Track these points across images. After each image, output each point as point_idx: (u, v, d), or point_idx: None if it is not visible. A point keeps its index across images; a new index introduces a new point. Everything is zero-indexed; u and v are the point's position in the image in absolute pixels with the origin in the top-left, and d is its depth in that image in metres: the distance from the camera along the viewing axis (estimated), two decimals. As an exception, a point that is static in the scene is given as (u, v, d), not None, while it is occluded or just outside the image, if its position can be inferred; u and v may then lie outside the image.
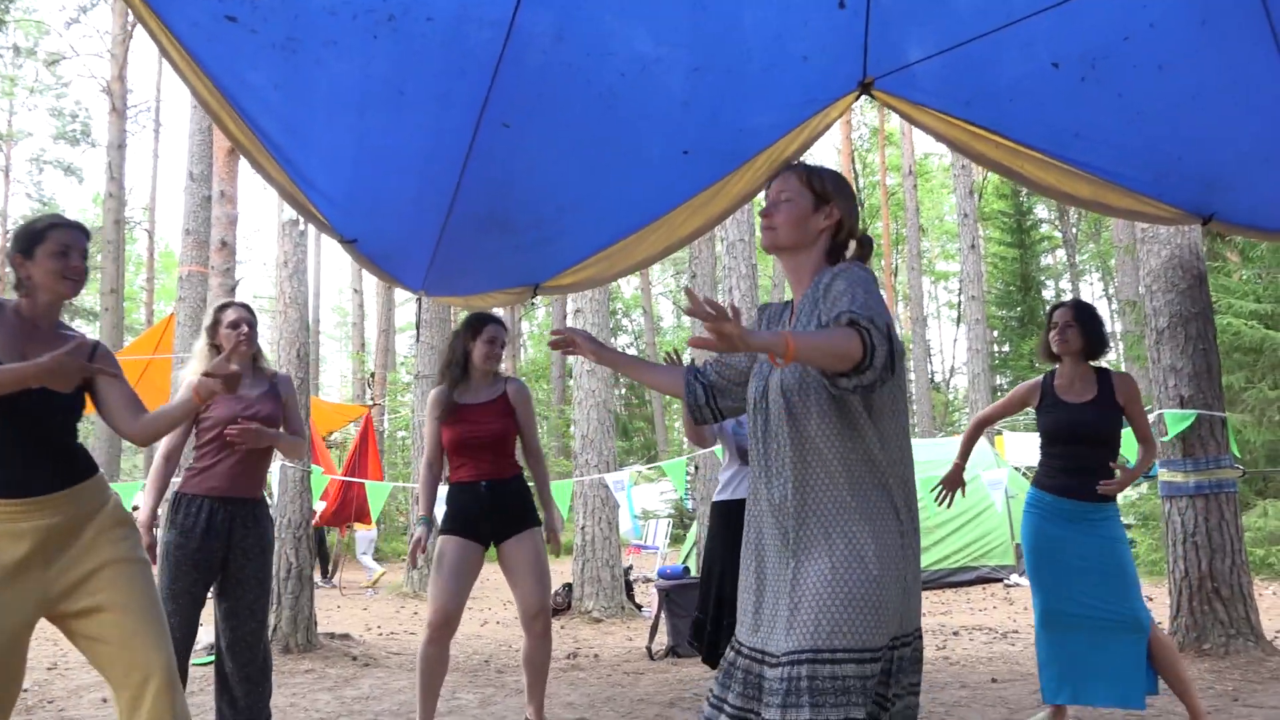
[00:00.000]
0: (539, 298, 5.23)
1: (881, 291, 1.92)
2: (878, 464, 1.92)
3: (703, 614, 4.15)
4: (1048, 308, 3.95)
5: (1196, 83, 3.85)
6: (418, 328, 8.28)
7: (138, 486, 6.78)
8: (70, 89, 30.26)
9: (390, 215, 4.50)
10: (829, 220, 2.06)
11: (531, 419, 3.97)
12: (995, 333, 26.64)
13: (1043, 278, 29.09)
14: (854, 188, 2.09)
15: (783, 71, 3.73)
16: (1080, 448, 3.60)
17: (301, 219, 5.72)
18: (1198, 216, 4.54)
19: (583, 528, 8.07)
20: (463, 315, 4.46)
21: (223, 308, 3.76)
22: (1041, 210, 29.48)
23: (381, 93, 3.73)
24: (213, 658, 3.80)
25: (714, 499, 4.15)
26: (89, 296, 31.32)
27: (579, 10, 3.41)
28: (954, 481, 3.78)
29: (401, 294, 28.40)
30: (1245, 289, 10.33)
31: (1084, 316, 3.70)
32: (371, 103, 3.78)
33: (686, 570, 6.62)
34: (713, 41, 3.60)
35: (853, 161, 26.97)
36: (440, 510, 3.96)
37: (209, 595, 3.51)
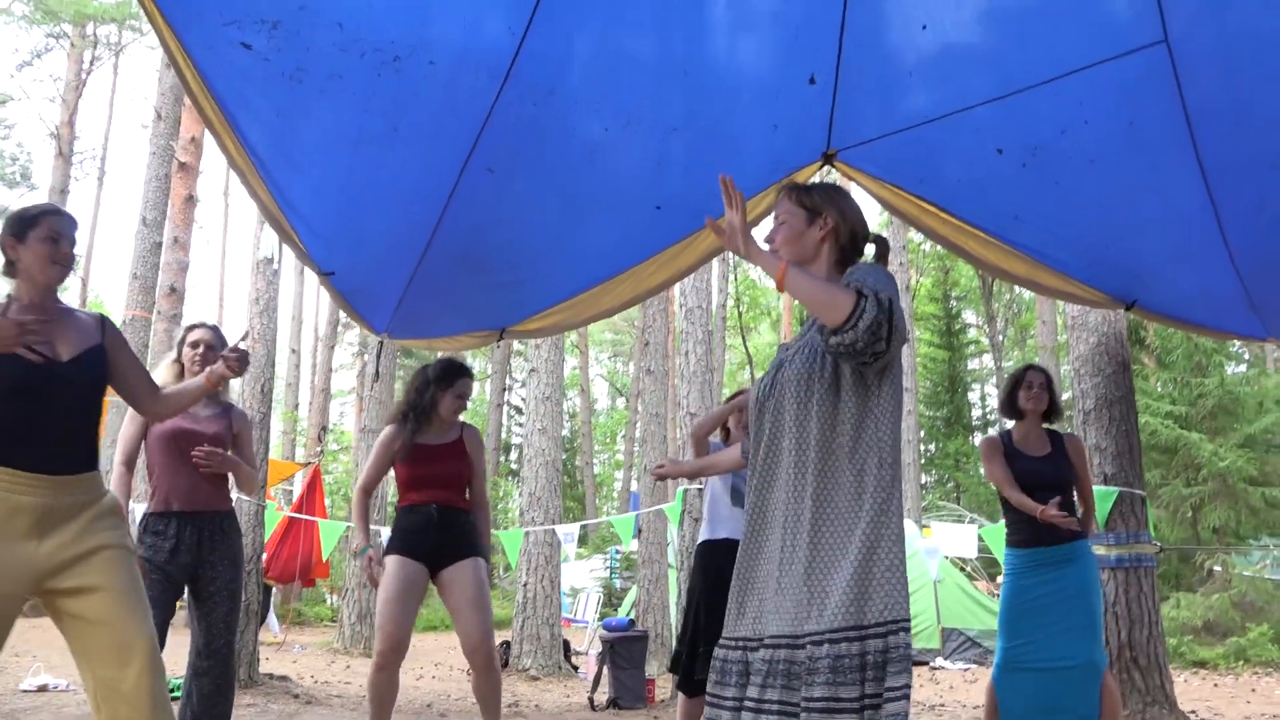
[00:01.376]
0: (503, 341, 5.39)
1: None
2: (877, 449, 2.00)
3: (681, 644, 4.18)
4: (1017, 370, 4.24)
5: (1123, 179, 4.24)
6: (376, 375, 8.34)
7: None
8: (13, 131, 29.88)
9: (368, 250, 4.64)
10: (825, 229, 2.20)
11: (482, 466, 4.16)
12: (922, 431, 27.38)
13: (970, 380, 30.07)
14: (850, 196, 2.28)
15: (754, 137, 4.03)
16: (1041, 495, 3.81)
17: (276, 259, 5.86)
18: (1121, 302, 4.92)
19: (525, 584, 8.11)
20: (412, 367, 4.62)
21: (191, 328, 3.88)
22: (970, 315, 30.62)
23: (376, 129, 3.92)
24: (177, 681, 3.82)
25: (700, 540, 4.24)
26: (12, 342, 30.50)
27: (574, 67, 3.69)
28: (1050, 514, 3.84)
29: (340, 358, 28.19)
30: (1161, 392, 10.91)
31: (1049, 380, 4.06)
32: (365, 137, 3.96)
33: (632, 623, 6.71)
34: (692, 105, 3.89)
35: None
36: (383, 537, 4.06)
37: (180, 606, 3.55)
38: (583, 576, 19.64)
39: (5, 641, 2.41)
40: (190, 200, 11.66)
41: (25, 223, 2.53)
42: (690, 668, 3.93)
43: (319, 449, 18.95)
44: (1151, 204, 4.36)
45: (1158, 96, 3.81)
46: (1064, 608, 3.77)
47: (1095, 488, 5.64)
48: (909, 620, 1.91)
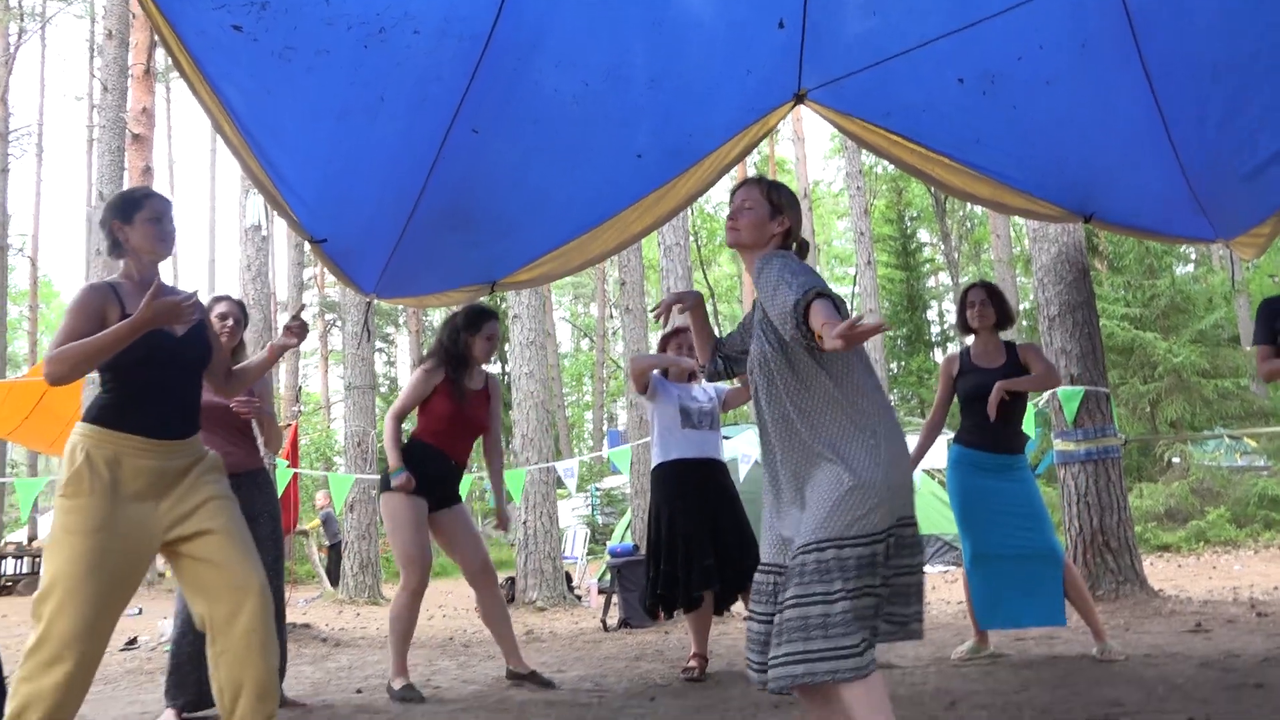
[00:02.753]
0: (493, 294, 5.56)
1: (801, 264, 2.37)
2: (839, 403, 2.28)
3: (663, 567, 4.26)
4: (961, 289, 4.50)
5: (1077, 98, 4.48)
6: (368, 333, 8.49)
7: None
8: (-58, 113, 28.92)
9: (356, 216, 4.76)
10: (781, 227, 2.49)
11: (499, 414, 4.40)
12: (885, 351, 27.91)
13: (928, 298, 30.58)
14: (799, 202, 2.60)
15: (728, 83, 4.21)
16: (1000, 409, 4.09)
17: (264, 225, 5.94)
18: (1080, 215, 5.18)
19: (525, 522, 8.41)
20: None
21: (215, 300, 4.03)
22: (925, 234, 31.02)
23: (363, 99, 4.04)
24: None
25: (655, 464, 4.39)
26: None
27: (553, 26, 3.82)
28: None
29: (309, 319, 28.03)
30: (1116, 296, 11.30)
31: (993, 293, 4.29)
32: (352, 108, 4.08)
33: (636, 548, 7.02)
34: (668, 56, 4.05)
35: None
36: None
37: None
38: (566, 515, 20.01)
39: (134, 593, 2.62)
40: (147, 171, 11.57)
41: (131, 205, 2.73)
42: (688, 582, 4.12)
43: (296, 409, 19.02)
44: (1105, 119, 4.60)
45: (1106, 13, 4.03)
46: (1012, 502, 4.08)
47: (1062, 389, 5.99)
48: (878, 533, 2.17)
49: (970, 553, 4.15)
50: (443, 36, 3.79)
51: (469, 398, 4.19)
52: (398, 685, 4.01)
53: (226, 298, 4.05)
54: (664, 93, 4.19)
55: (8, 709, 2.46)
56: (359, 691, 4.30)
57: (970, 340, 4.35)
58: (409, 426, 4.47)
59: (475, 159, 4.43)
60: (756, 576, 2.38)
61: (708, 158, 4.54)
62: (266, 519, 3.78)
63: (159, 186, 15.88)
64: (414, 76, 3.95)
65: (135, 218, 2.71)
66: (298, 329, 3.01)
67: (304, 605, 11.33)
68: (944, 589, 8.13)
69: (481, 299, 5.55)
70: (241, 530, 2.69)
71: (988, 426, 4.10)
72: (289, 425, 12.17)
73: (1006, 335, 4.43)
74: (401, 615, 4.04)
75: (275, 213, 4.81)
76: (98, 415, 2.59)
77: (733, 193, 2.60)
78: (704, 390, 4.48)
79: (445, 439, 4.18)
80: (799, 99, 4.32)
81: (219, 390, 2.99)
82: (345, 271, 5.22)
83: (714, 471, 4.33)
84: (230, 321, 3.96)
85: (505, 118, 4.23)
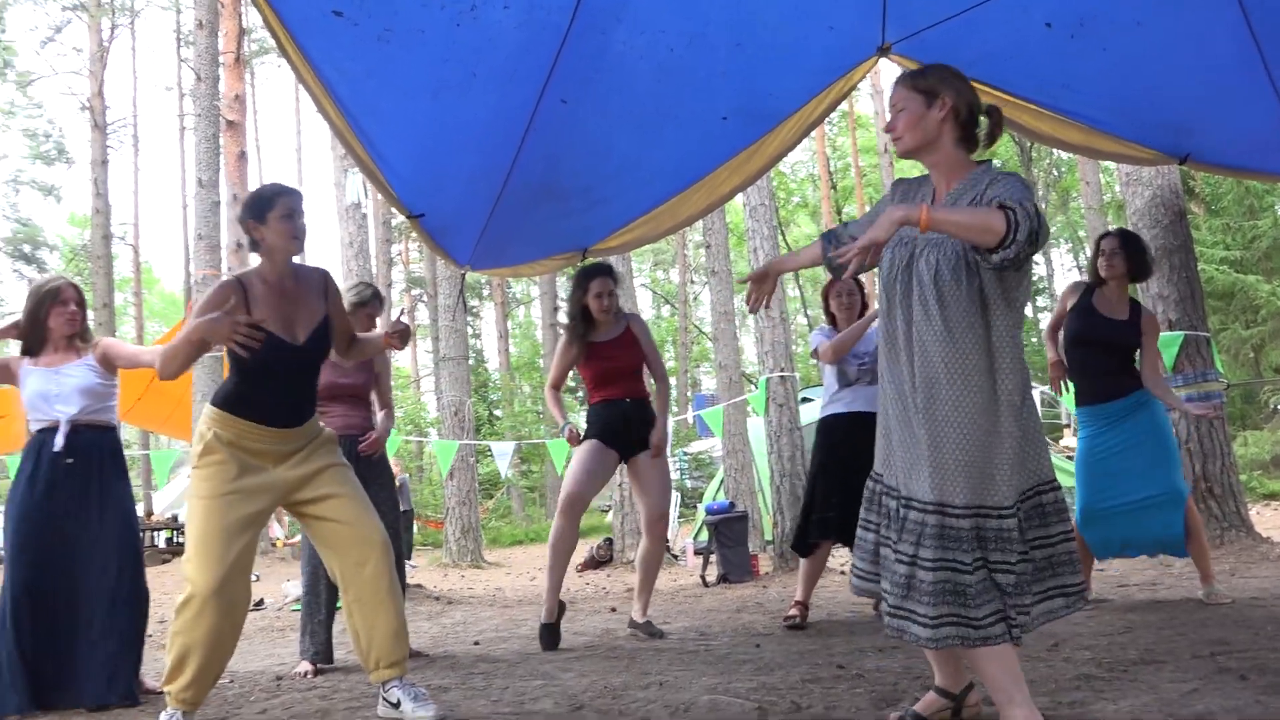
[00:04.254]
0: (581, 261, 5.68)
1: None
2: (992, 349, 2.14)
3: (806, 510, 4.43)
4: (1096, 236, 4.45)
5: (1168, 37, 4.38)
6: (464, 308, 8.72)
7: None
8: (44, 109, 30.27)
9: (450, 190, 4.94)
10: (943, 110, 2.24)
11: (653, 347, 4.56)
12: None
13: (1015, 249, 29.82)
14: (962, 74, 2.32)
15: (811, 41, 4.23)
16: (1110, 354, 4.16)
17: (364, 202, 6.17)
18: (1174, 157, 5.08)
19: (621, 484, 8.59)
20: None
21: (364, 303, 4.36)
22: (1011, 184, 30.19)
23: (455, 75, 4.18)
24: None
25: (820, 415, 4.52)
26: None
27: (638, -7, 3.90)
28: (1059, 366, 4.32)
29: (391, 295, 28.68)
30: (1214, 239, 10.96)
31: (1129, 243, 4.23)
32: (446, 86, 4.22)
33: (732, 505, 7.17)
34: (750, 17, 4.09)
35: (824, 145, 27.57)
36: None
37: None
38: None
39: (255, 552, 2.87)
40: (242, 157, 11.98)
41: (264, 204, 2.90)
42: (805, 529, 4.31)
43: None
44: (1198, 58, 4.48)
45: (1199, -51, 3.94)
46: (1138, 450, 4.04)
47: (1162, 334, 5.89)
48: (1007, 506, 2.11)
49: (1080, 512, 4.14)
50: (531, 10, 3.90)
51: (606, 350, 4.40)
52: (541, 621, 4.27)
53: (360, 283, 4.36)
54: (747, 55, 4.23)
55: (168, 659, 2.71)
56: (476, 643, 4.52)
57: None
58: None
59: (564, 129, 4.54)
60: (871, 485, 2.34)
61: (793, 116, 4.58)
62: (385, 482, 4.03)
63: (251, 170, 16.36)
64: (504, 51, 4.07)
65: (268, 216, 2.88)
66: (398, 337, 3.18)
67: (411, 570, 11.78)
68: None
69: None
70: (359, 492, 2.94)
71: (1100, 375, 4.11)
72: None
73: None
74: (555, 530, 4.28)
75: (375, 190, 5.00)
76: (222, 402, 2.85)
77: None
78: (863, 343, 4.43)
79: (607, 390, 4.41)
80: (883, 52, 4.32)
81: (342, 355, 3.21)
82: (441, 245, 5.41)
83: (859, 426, 4.22)
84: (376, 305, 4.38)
85: (592, 87, 4.33)
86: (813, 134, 27.83)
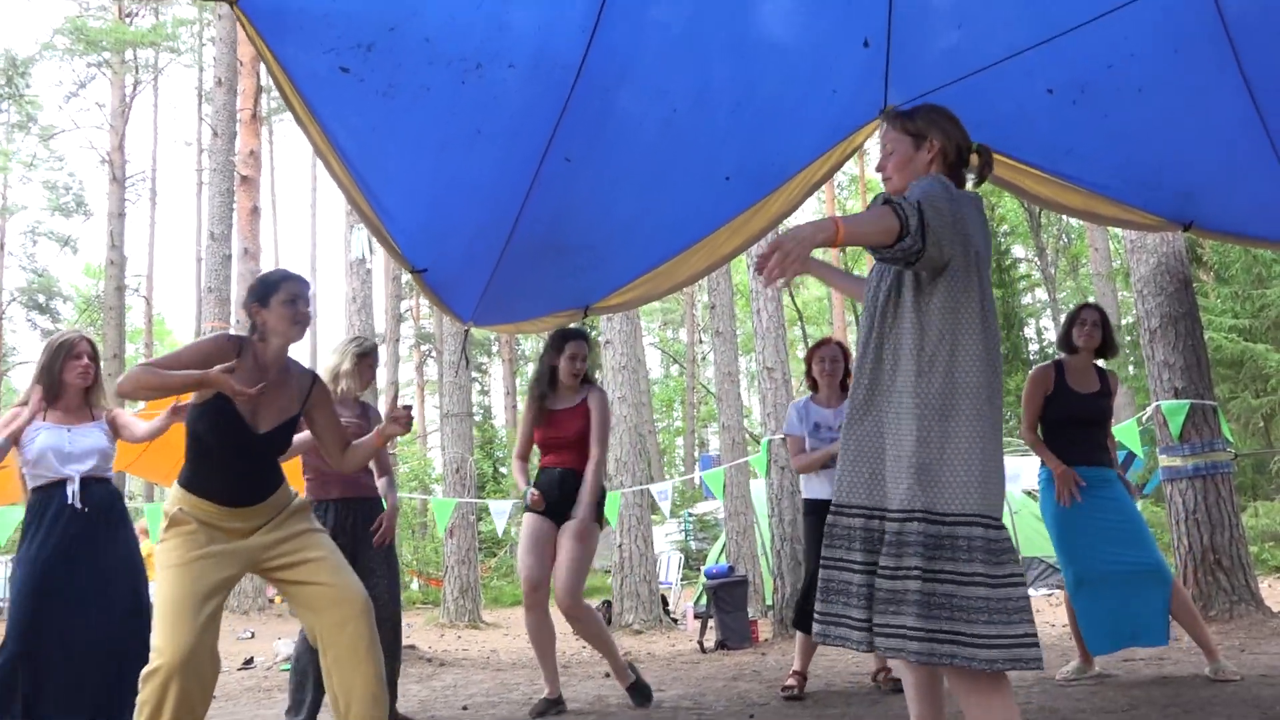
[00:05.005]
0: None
1: (956, 196, 2.15)
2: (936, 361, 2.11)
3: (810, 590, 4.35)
4: (1075, 307, 4.45)
5: (1171, 105, 4.40)
6: (467, 364, 8.72)
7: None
8: (65, 161, 30.74)
9: (454, 245, 4.94)
10: (931, 152, 2.26)
11: (600, 424, 4.35)
12: (981, 370, 27.20)
13: (1024, 316, 29.85)
14: (951, 113, 2.39)
15: (814, 103, 4.26)
16: (1089, 429, 4.18)
17: (369, 258, 6.20)
18: (1178, 224, 5.07)
19: (620, 545, 8.50)
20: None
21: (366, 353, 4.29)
22: (1019, 250, 30.33)
23: (461, 132, 4.21)
24: None
25: (805, 495, 4.50)
26: (86, 365, 31.57)
27: (640, 54, 3.94)
28: (1069, 478, 4.10)
29: (401, 350, 28.79)
30: (1223, 306, 10.92)
31: (1105, 319, 4.29)
32: (451, 141, 4.25)
33: (731, 569, 7.05)
34: (753, 80, 4.13)
35: (834, 208, 27.79)
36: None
37: None
38: (660, 541, 20.05)
39: (222, 610, 2.81)
40: (255, 211, 12.11)
41: (268, 288, 2.88)
42: (806, 608, 4.13)
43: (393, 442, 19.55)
44: (1201, 125, 4.50)
45: (1199, 19, 3.97)
46: (1112, 519, 3.98)
47: (1166, 402, 5.84)
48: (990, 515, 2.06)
49: (1072, 578, 4.07)
50: (536, 69, 3.94)
51: (559, 418, 4.33)
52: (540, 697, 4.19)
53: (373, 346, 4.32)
54: (750, 115, 4.26)
55: None
56: (464, 708, 4.42)
57: (1065, 358, 4.30)
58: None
59: (568, 187, 4.56)
60: (849, 521, 2.23)
61: (796, 177, 4.59)
62: (391, 568, 3.98)
63: (265, 225, 16.54)
64: (509, 109, 4.10)
65: (272, 300, 2.86)
66: (403, 419, 3.01)
67: (408, 629, 11.61)
68: (1048, 612, 7.93)
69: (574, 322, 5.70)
70: (336, 554, 2.89)
71: (1075, 443, 4.08)
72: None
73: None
74: (529, 626, 4.18)
75: (379, 245, 5.02)
76: (185, 482, 2.83)
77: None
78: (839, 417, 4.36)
79: (553, 459, 4.34)
80: (886, 115, 4.33)
81: (335, 466, 3.13)
82: (444, 300, 5.40)
83: None
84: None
85: (596, 146, 4.35)
86: (822, 196, 28.09)
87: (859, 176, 30.24)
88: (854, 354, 2.40)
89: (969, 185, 2.36)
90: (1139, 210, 4.95)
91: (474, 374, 34.07)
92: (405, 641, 7.40)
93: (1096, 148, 4.56)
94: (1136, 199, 4.88)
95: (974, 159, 2.33)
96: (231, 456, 2.81)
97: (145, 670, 2.62)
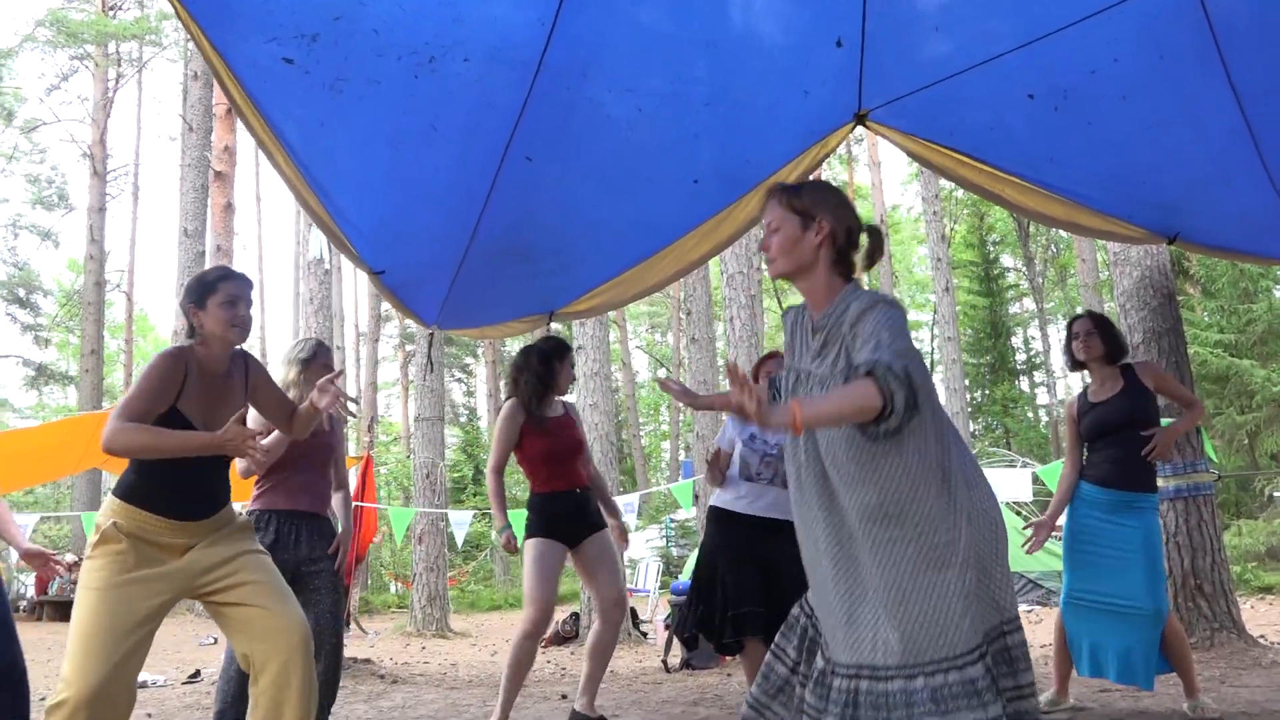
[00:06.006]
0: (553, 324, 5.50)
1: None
2: (915, 476, 1.93)
3: (707, 607, 4.01)
4: (1067, 320, 4.27)
5: (1156, 112, 4.23)
6: (430, 365, 8.53)
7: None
8: (47, 154, 30.41)
9: (415, 247, 4.76)
10: (820, 235, 2.09)
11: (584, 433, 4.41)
12: (968, 380, 27.22)
13: (1012, 325, 29.79)
14: (841, 192, 2.23)
15: (786, 105, 4.08)
16: (1115, 438, 3.90)
17: (327, 259, 6.00)
18: (1163, 236, 4.91)
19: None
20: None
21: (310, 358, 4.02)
22: (1008, 259, 30.28)
23: (415, 129, 4.02)
24: None
25: (714, 503, 4.15)
26: (64, 361, 31.25)
27: (603, 51, 3.75)
28: (1047, 528, 4.04)
29: (382, 351, 28.56)
30: (1209, 321, 10.80)
31: (1100, 324, 4.08)
32: (405, 138, 4.07)
33: (694, 573, 6.83)
34: (723, 78, 3.95)
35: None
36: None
37: None
38: (640, 547, 19.86)
39: (150, 642, 2.61)
40: (229, 208, 11.88)
41: (205, 289, 2.71)
42: (720, 627, 3.90)
43: (369, 440, 19.27)
44: (1186, 134, 4.35)
45: (1185, 25, 3.80)
46: (1127, 552, 3.78)
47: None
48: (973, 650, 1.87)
49: (1066, 591, 3.92)
50: (493, 63, 3.75)
51: (554, 426, 4.18)
52: None
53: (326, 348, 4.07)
54: (720, 116, 4.08)
55: None
56: (409, 730, 4.22)
57: (1086, 377, 4.13)
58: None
59: (530, 188, 4.38)
60: (796, 613, 2.16)
61: (766, 181, 4.41)
62: (327, 564, 3.73)
63: (243, 221, 16.27)
64: (466, 105, 3.92)
65: (208, 302, 2.69)
66: (331, 392, 2.81)
67: (374, 637, 11.34)
68: (1027, 629, 7.76)
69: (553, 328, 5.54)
70: (277, 579, 2.71)
71: (1111, 461, 3.88)
72: (361, 457, 12.29)
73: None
74: (521, 652, 3.98)
75: (333, 245, 4.83)
76: (125, 493, 2.62)
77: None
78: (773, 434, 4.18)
79: (555, 475, 4.14)
80: (859, 119, 4.17)
81: (287, 434, 3.00)
82: (405, 303, 5.22)
83: (768, 532, 3.86)
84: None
85: (559, 145, 4.17)
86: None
87: (848, 183, 30.16)
88: None
89: (859, 269, 2.18)
90: (1123, 222, 4.80)
91: (459, 375, 33.84)
92: (361, 655, 7.19)
93: (1079, 156, 4.39)
94: (1120, 210, 4.73)
95: (864, 240, 2.16)
96: (181, 466, 2.61)
97: (50, 701, 2.42)
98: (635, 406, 31.74)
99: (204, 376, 2.70)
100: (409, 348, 31.42)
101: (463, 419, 34.11)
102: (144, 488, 2.61)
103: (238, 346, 2.83)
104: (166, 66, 34.60)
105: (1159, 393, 4.02)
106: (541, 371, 4.22)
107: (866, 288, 2.12)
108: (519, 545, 4.12)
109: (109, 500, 2.65)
